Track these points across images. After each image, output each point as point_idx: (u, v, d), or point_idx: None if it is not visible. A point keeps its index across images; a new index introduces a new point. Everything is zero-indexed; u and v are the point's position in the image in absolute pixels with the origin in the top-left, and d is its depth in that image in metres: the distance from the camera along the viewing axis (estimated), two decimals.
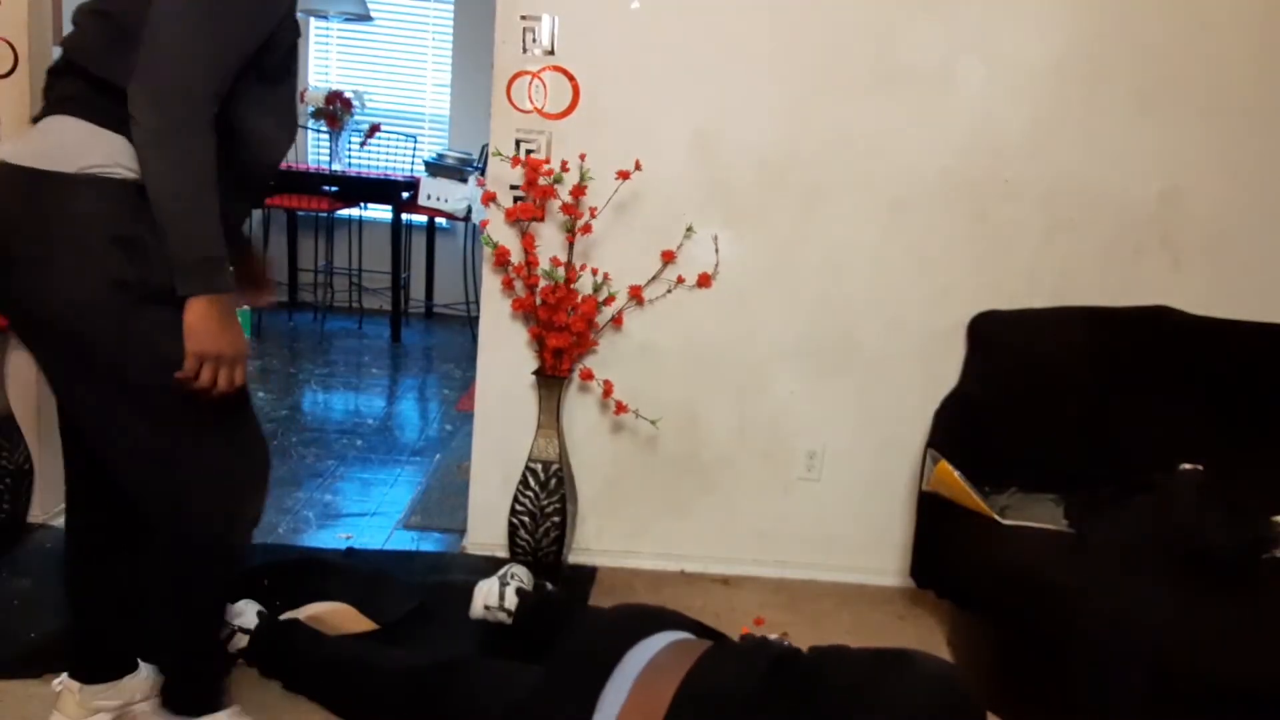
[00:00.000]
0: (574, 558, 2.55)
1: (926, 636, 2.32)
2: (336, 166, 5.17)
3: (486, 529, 2.57)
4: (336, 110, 5.07)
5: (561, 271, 2.35)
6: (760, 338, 2.49)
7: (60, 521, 2.53)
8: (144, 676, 1.73)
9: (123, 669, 1.71)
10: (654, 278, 2.42)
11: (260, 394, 3.78)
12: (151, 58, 1.33)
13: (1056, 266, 2.45)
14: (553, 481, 2.40)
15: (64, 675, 1.71)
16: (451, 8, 5.52)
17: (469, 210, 4.69)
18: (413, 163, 5.40)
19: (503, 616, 2.05)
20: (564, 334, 2.32)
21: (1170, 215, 2.43)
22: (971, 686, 1.46)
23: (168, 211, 1.34)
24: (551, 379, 2.39)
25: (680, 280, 2.43)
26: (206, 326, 1.38)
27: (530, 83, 2.34)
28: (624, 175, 2.26)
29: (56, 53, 2.63)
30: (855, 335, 2.49)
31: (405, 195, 4.87)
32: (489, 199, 2.37)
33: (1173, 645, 1.76)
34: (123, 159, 1.37)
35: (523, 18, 2.31)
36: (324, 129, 5.16)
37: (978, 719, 1.43)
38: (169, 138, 1.33)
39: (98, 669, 1.69)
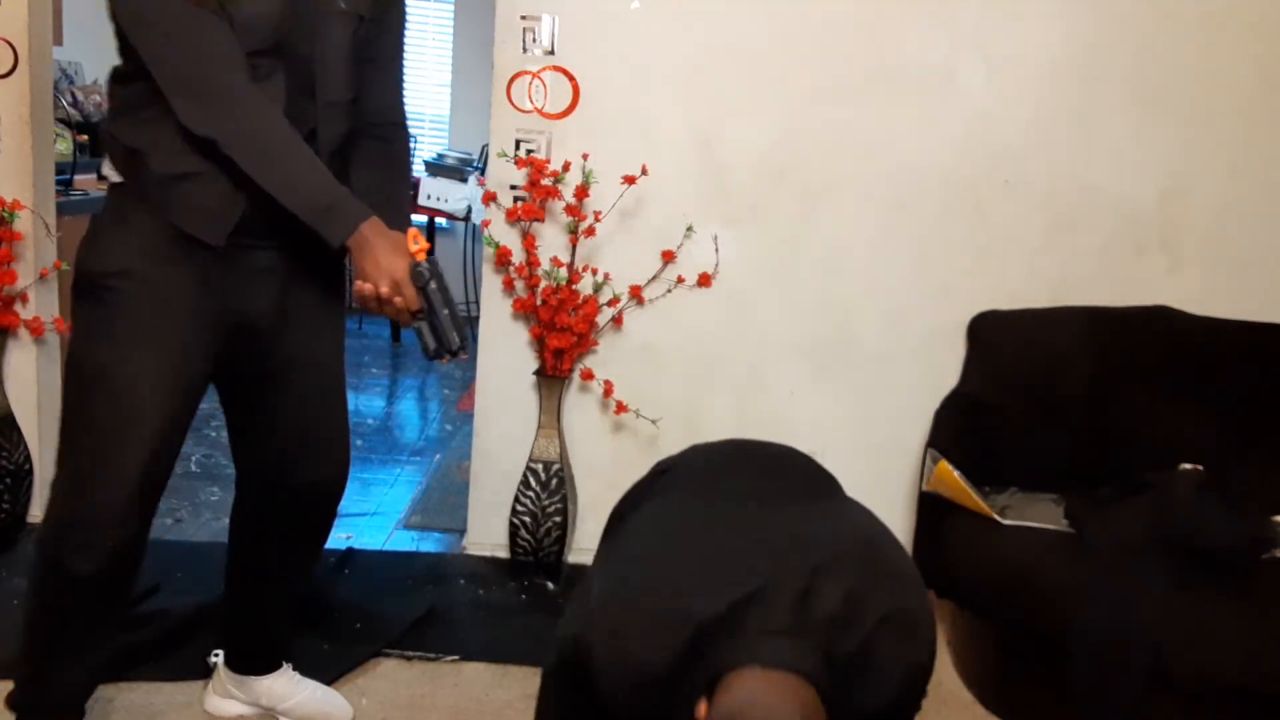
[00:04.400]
0: (574, 558, 2.55)
1: None
2: None
3: (486, 529, 2.57)
4: None
5: (564, 273, 2.35)
6: (760, 338, 2.49)
7: None
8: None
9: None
10: (654, 277, 2.42)
11: None
12: None
13: (1056, 266, 2.44)
14: (554, 482, 2.40)
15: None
16: (451, 8, 5.52)
17: (469, 210, 4.68)
18: (413, 163, 5.39)
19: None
20: (565, 335, 2.33)
21: (1170, 215, 2.43)
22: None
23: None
24: (552, 379, 2.39)
25: (680, 280, 2.43)
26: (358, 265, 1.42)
27: (530, 83, 2.34)
28: (630, 180, 2.26)
29: (57, 53, 2.62)
30: (855, 335, 2.49)
31: None
32: (489, 199, 2.37)
33: (1172, 645, 1.76)
34: None
35: (523, 18, 2.31)
36: None
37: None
38: None
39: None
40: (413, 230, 1.46)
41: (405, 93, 1.69)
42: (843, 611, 1.14)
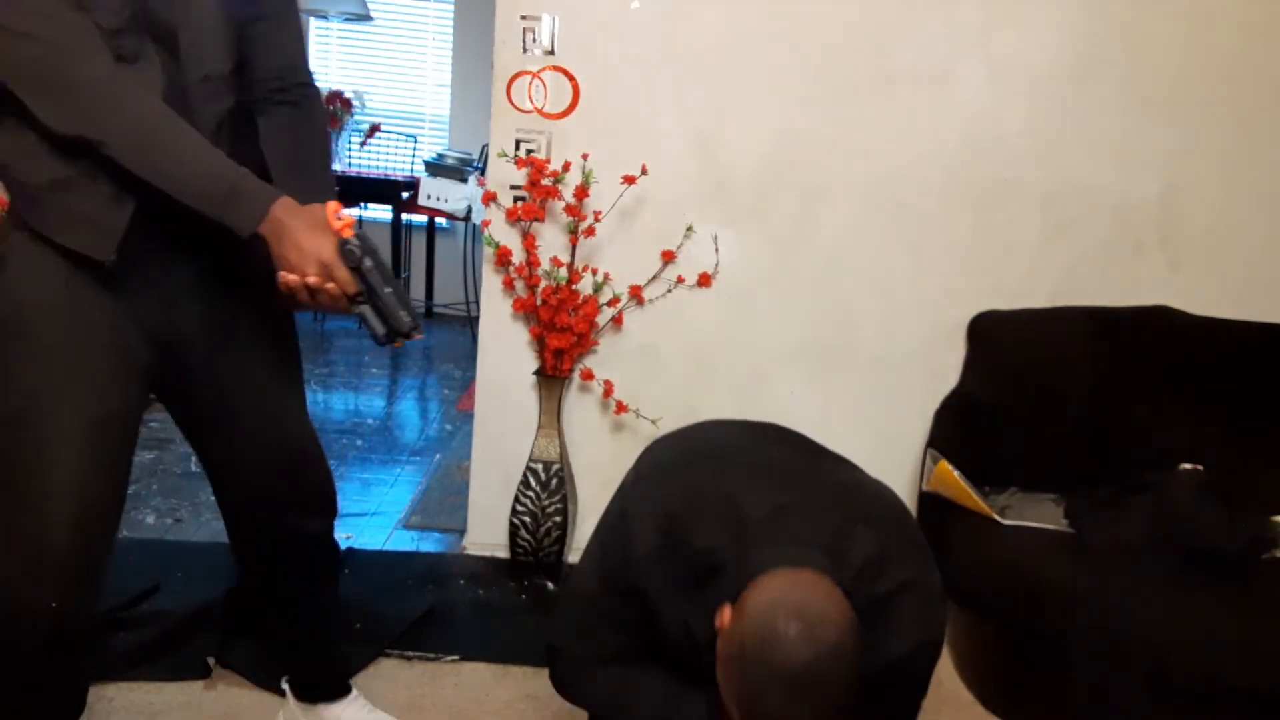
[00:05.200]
0: (574, 558, 2.55)
1: None
2: (336, 166, 5.18)
3: (486, 529, 2.57)
4: (336, 110, 5.07)
5: (564, 272, 2.35)
6: (760, 338, 2.49)
7: None
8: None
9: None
10: (654, 277, 2.42)
11: None
12: None
13: (1056, 266, 2.44)
14: (554, 482, 2.40)
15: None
16: (451, 8, 5.52)
17: (469, 210, 4.69)
18: (413, 163, 5.40)
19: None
20: (565, 335, 2.33)
21: (1170, 215, 2.43)
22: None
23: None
24: (552, 379, 2.39)
25: (680, 280, 2.43)
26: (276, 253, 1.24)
27: (530, 83, 2.34)
28: (630, 180, 2.26)
29: None
30: (855, 335, 2.49)
31: (405, 195, 4.87)
32: (489, 199, 2.37)
33: (1172, 645, 1.76)
34: None
35: (523, 18, 2.31)
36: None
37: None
38: None
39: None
40: (333, 204, 1.28)
41: (306, 47, 1.49)
42: (873, 561, 1.19)
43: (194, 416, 1.49)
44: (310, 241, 1.22)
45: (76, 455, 1.27)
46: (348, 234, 1.25)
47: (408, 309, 1.27)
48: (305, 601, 1.67)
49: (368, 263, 1.25)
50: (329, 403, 3.89)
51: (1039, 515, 2.12)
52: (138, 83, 1.22)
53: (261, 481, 1.51)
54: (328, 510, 1.61)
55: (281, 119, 1.43)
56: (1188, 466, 2.10)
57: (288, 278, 1.23)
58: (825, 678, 1.06)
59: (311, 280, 1.22)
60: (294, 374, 1.56)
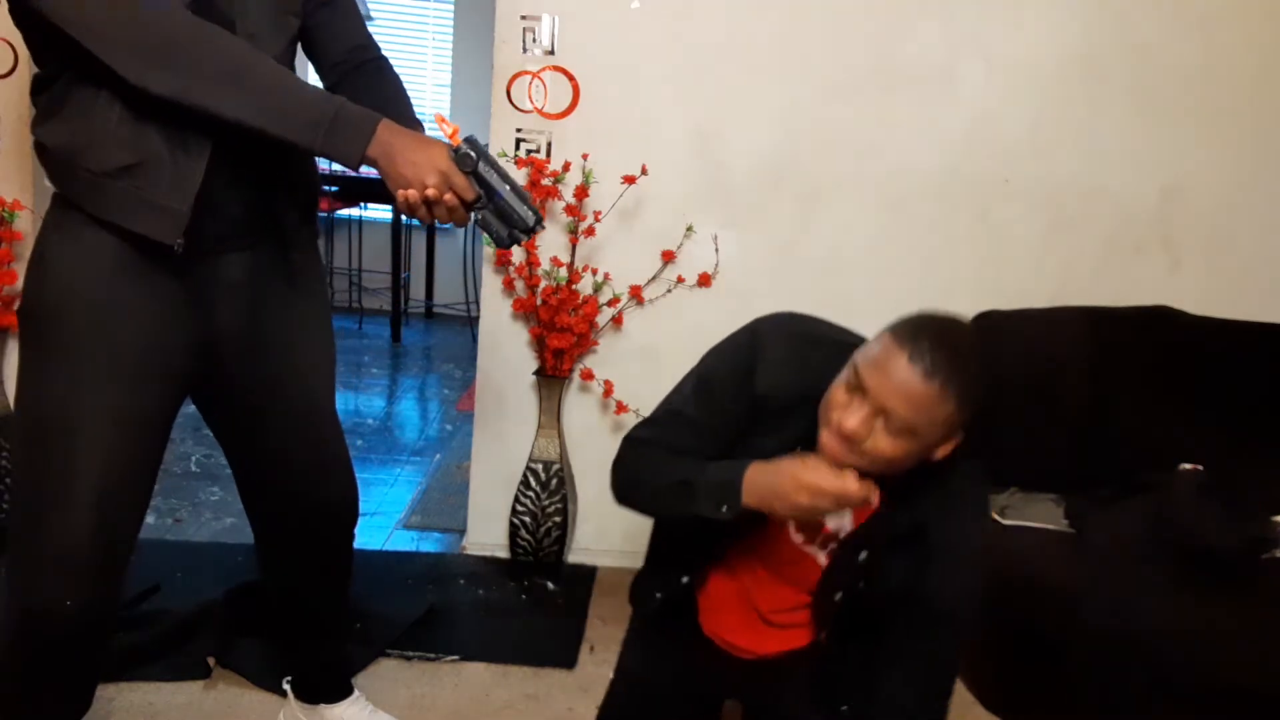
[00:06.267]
0: (574, 557, 2.56)
1: None
2: (336, 166, 5.17)
3: (486, 529, 2.57)
4: None
5: (564, 272, 2.35)
6: None
7: None
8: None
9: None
10: (654, 277, 2.42)
11: None
12: None
13: (1056, 266, 2.45)
14: (554, 482, 2.40)
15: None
16: (451, 8, 5.52)
17: None
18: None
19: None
20: (565, 335, 2.33)
21: (1170, 215, 2.43)
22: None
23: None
24: (552, 379, 2.39)
25: (680, 280, 2.43)
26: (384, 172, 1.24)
27: (530, 83, 2.34)
28: (630, 180, 2.26)
29: None
30: None
31: None
32: None
33: (1172, 645, 1.76)
34: None
35: (523, 18, 2.31)
36: None
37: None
38: None
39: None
40: (435, 114, 1.28)
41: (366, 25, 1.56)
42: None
43: (231, 417, 1.49)
44: (423, 154, 1.21)
45: (100, 458, 1.27)
46: (457, 141, 1.24)
47: (527, 203, 1.26)
48: (319, 604, 1.68)
49: (482, 165, 1.24)
50: None
51: (1039, 515, 2.12)
52: (218, 27, 1.19)
53: (291, 485, 1.52)
54: (350, 516, 1.62)
55: (358, 80, 1.45)
56: (1188, 466, 2.10)
57: (406, 193, 1.22)
58: (975, 352, 1.31)
59: (431, 191, 1.21)
60: (331, 376, 1.56)
